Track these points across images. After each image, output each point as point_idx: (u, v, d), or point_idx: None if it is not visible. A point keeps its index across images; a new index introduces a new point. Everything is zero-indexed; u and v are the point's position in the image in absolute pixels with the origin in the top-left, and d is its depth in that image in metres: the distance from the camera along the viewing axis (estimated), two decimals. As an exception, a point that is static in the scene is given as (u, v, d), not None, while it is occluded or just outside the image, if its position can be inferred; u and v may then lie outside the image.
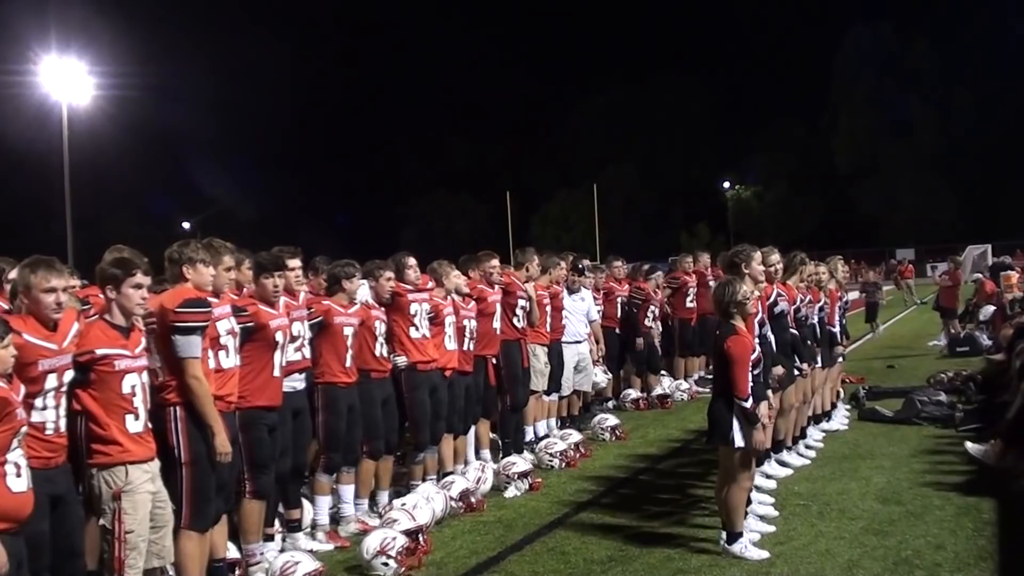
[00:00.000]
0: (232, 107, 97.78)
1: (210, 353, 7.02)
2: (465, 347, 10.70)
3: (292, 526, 8.66)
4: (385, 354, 9.62)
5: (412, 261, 10.10)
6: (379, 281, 9.67)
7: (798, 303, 10.73)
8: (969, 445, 10.82)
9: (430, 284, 10.42)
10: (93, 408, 6.12)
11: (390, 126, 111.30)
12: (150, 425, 6.37)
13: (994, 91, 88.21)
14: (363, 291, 9.60)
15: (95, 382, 6.11)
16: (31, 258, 6.01)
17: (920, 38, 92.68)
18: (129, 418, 6.19)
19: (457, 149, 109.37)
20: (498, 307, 11.43)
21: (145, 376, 6.35)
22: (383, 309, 9.73)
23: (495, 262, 11.45)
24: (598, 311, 14.83)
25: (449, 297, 10.54)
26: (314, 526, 8.93)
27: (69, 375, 5.95)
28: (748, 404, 7.70)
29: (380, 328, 9.57)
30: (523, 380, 11.90)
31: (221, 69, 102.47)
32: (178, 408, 6.73)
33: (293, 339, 8.34)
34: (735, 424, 7.75)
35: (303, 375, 8.52)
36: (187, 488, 6.77)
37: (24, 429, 5.50)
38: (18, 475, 5.40)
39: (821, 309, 11.71)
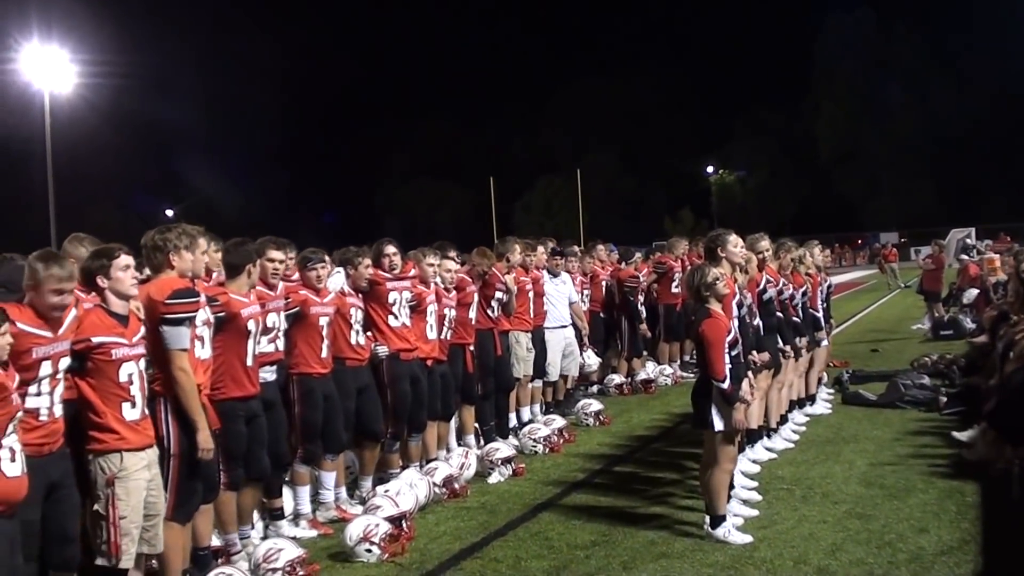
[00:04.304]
0: (215, 97, 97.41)
1: (187, 344, 6.98)
2: (443, 336, 10.61)
3: (275, 514, 8.63)
4: (361, 342, 9.47)
5: (392, 248, 9.94)
6: (357, 269, 9.57)
7: (781, 286, 10.77)
8: (955, 434, 10.78)
9: (413, 271, 10.28)
10: (90, 396, 6.14)
11: (370, 115, 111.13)
12: (147, 413, 6.38)
13: (974, 75, 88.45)
14: (338, 279, 9.50)
15: (92, 370, 6.13)
16: (43, 251, 5.98)
17: (900, 24, 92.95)
18: (126, 406, 6.21)
19: (438, 137, 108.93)
20: (475, 296, 11.38)
21: (143, 364, 6.36)
22: (360, 296, 9.61)
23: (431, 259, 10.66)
24: (585, 295, 14.83)
25: (432, 285, 10.45)
26: (297, 516, 8.87)
27: (65, 362, 5.92)
28: (725, 385, 7.74)
29: (356, 316, 9.42)
30: (496, 369, 11.78)
31: (204, 60, 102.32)
32: (169, 399, 6.72)
33: (267, 330, 8.25)
34: (713, 408, 7.79)
35: (274, 367, 8.43)
36: (173, 480, 6.76)
37: (20, 414, 5.50)
38: (12, 460, 5.41)
39: (804, 294, 11.71)
